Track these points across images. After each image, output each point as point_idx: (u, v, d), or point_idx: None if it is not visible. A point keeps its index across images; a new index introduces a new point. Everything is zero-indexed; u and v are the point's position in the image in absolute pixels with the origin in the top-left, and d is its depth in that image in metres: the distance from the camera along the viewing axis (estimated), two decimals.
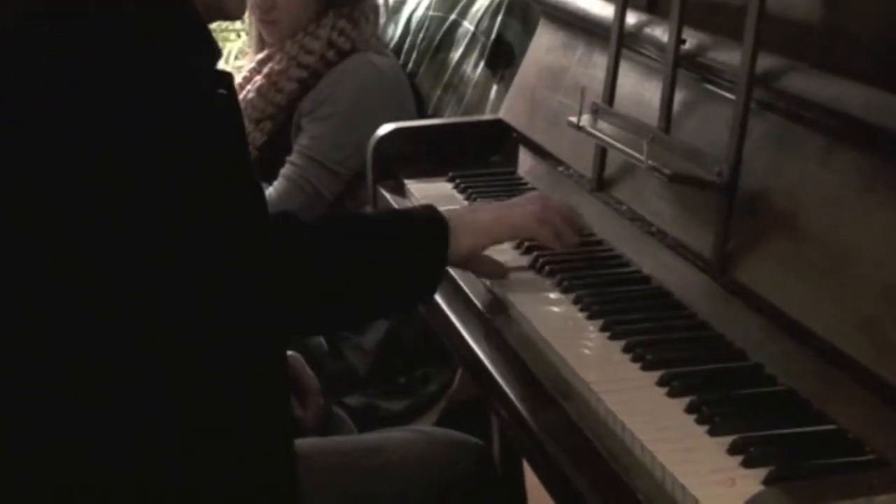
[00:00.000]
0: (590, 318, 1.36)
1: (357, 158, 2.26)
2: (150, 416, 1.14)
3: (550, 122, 1.77)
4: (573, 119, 1.57)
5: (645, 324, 1.33)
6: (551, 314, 1.40)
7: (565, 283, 1.45)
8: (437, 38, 2.53)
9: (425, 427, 2.05)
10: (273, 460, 1.24)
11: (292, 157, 2.38)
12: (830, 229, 1.17)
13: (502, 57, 2.32)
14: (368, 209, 2.01)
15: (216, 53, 1.21)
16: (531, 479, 1.86)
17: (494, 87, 2.32)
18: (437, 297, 1.56)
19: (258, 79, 2.46)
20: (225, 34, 3.87)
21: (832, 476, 1.01)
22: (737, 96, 1.30)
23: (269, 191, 2.37)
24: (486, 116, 2.18)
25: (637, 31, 1.59)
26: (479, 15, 2.43)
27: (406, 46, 2.61)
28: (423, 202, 1.63)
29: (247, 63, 2.59)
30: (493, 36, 2.35)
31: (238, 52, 3.69)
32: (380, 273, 1.40)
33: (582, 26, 1.77)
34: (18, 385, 1.12)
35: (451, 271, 1.57)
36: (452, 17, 2.51)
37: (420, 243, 1.42)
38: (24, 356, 1.11)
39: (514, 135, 1.90)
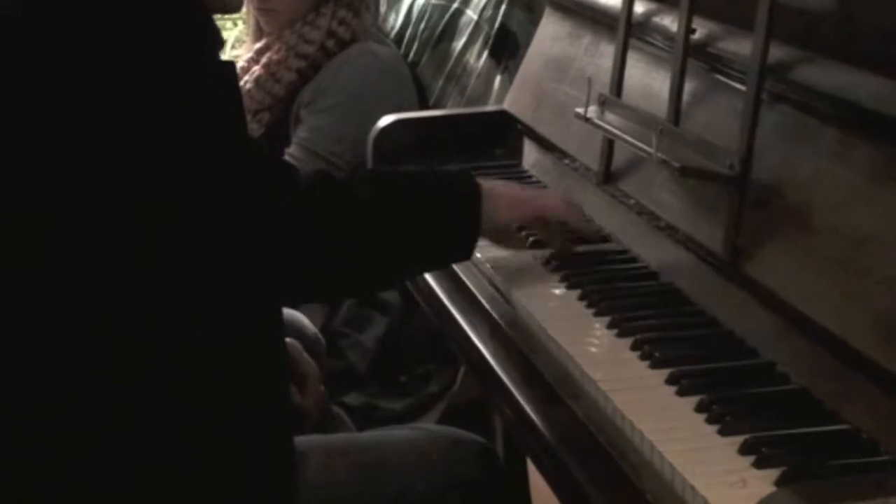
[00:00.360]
0: (597, 314, 1.36)
1: (357, 150, 2.26)
2: (145, 406, 1.15)
3: (556, 114, 1.77)
4: (580, 110, 1.57)
5: (653, 321, 1.33)
6: (557, 311, 1.40)
7: (571, 279, 1.45)
8: (439, 28, 2.53)
9: (427, 425, 2.06)
10: (271, 455, 1.25)
11: (291, 150, 2.38)
12: (844, 223, 1.17)
13: (506, 46, 2.32)
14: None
15: (218, 42, 1.23)
16: (535, 479, 1.86)
17: (498, 78, 2.32)
18: (439, 293, 1.57)
19: (256, 69, 2.46)
20: (221, 22, 3.86)
21: (846, 477, 1.02)
22: (748, 87, 1.30)
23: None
24: (490, 108, 2.18)
25: (645, 20, 1.59)
26: (482, 3, 2.43)
27: (407, 36, 2.61)
28: None
29: (244, 52, 2.59)
30: (496, 25, 2.35)
31: (235, 40, 3.69)
32: (414, 234, 1.41)
33: (589, 15, 1.77)
34: (9, 377, 1.14)
35: (454, 267, 1.57)
36: (455, 5, 2.51)
37: (455, 205, 1.43)
38: (15, 347, 1.13)
39: (519, 127, 1.90)
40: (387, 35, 2.63)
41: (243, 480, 1.22)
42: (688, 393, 1.17)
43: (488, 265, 1.53)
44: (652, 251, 1.48)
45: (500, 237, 1.53)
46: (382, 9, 2.74)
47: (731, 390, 1.17)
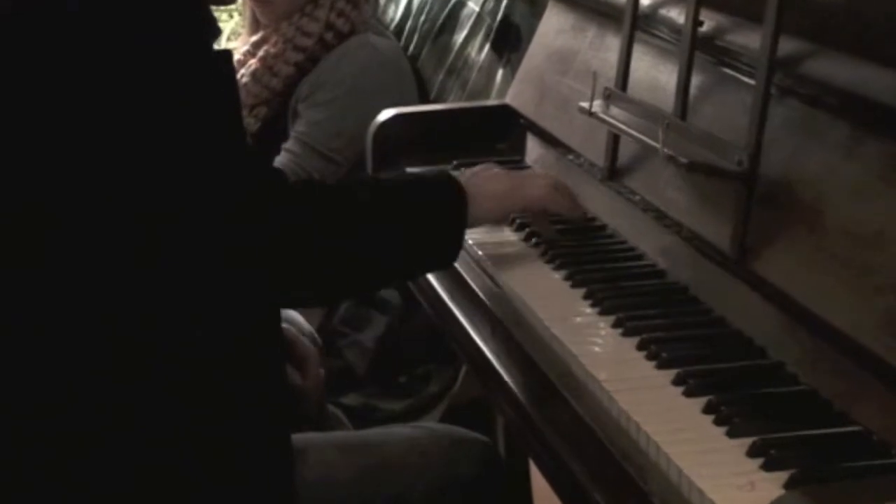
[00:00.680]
0: (601, 313, 1.37)
1: (356, 146, 2.26)
2: (145, 406, 1.17)
3: (560, 108, 1.78)
4: (584, 105, 1.57)
5: (659, 320, 1.33)
6: (561, 310, 1.40)
7: (576, 277, 1.45)
8: (440, 20, 2.53)
9: (428, 423, 2.06)
10: (269, 454, 1.26)
11: (288, 145, 2.38)
12: (855, 221, 1.17)
13: (509, 39, 2.33)
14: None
15: (214, 31, 1.23)
16: (538, 481, 1.86)
17: (500, 71, 2.32)
18: (440, 292, 1.57)
19: (253, 62, 2.46)
20: (216, 14, 3.86)
21: (857, 479, 1.02)
22: (757, 81, 1.30)
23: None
24: (492, 102, 2.18)
25: (652, 12, 1.59)
26: None
27: (407, 28, 2.62)
28: None
29: (240, 45, 2.59)
30: (499, 17, 2.35)
31: (231, 33, 3.69)
32: (399, 240, 1.41)
33: (593, 7, 1.77)
34: (9, 377, 1.15)
35: (456, 265, 1.57)
36: None
37: (440, 210, 1.44)
38: (15, 347, 1.14)
39: (522, 121, 1.90)
40: (386, 27, 2.63)
41: (241, 480, 1.23)
42: (695, 394, 1.17)
43: (490, 262, 1.53)
44: (658, 248, 1.48)
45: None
46: (382, 0, 2.74)
47: (739, 391, 1.17)
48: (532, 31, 2.00)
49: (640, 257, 1.51)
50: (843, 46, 1.27)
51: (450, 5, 2.52)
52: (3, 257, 1.12)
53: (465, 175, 1.50)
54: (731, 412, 1.12)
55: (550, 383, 1.28)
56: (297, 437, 1.46)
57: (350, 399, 2.33)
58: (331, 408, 2.20)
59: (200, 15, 1.19)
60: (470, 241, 1.57)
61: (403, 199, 1.42)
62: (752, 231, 1.29)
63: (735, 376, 1.20)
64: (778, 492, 1.01)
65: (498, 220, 1.54)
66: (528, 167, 1.86)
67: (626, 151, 1.58)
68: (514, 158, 1.90)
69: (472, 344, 1.44)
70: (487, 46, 2.37)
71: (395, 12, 2.69)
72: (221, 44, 3.57)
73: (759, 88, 1.29)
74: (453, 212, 1.43)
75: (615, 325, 1.33)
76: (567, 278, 1.46)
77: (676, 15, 1.53)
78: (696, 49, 1.44)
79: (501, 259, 1.54)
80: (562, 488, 1.20)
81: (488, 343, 1.42)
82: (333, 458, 1.53)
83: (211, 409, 1.20)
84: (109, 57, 1.12)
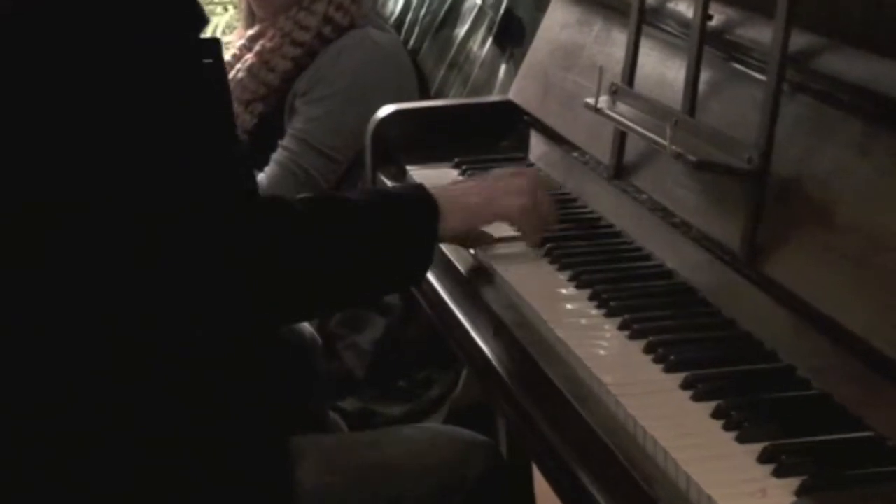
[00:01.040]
0: (607, 315, 1.37)
1: (355, 143, 2.26)
2: (145, 406, 1.19)
3: (565, 104, 1.78)
4: (590, 101, 1.57)
5: (667, 322, 1.33)
6: (566, 311, 1.40)
7: (581, 278, 1.45)
8: (441, 13, 2.53)
9: (431, 425, 2.06)
10: (267, 454, 1.27)
11: (285, 142, 2.38)
12: (868, 220, 1.17)
13: (512, 33, 2.32)
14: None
15: (201, 20, 1.23)
16: (542, 486, 1.86)
17: (503, 66, 2.32)
18: (441, 292, 1.57)
19: (249, 57, 2.46)
20: (211, 7, 3.87)
21: (870, 487, 1.02)
22: (768, 77, 1.30)
23: (260, 177, 2.37)
24: (495, 97, 2.18)
25: (659, 6, 1.59)
26: None
27: (408, 21, 2.61)
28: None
29: (235, 39, 2.59)
30: (501, 10, 2.35)
31: (226, 26, 3.69)
32: (366, 259, 1.39)
33: (599, 0, 1.77)
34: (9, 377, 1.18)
35: (457, 265, 1.57)
36: None
37: (409, 227, 1.42)
38: (15, 347, 1.17)
39: (525, 117, 1.90)
40: (386, 21, 2.63)
41: (240, 480, 1.25)
42: (704, 398, 1.17)
43: (493, 262, 1.53)
44: (666, 249, 1.48)
45: (463, 241, 1.54)
46: None
47: (749, 395, 1.17)
48: (536, 24, 2.00)
49: (647, 258, 1.51)
50: (856, 41, 1.27)
51: None
52: (3, 257, 1.14)
53: (437, 188, 1.48)
54: (741, 417, 1.12)
55: (554, 387, 1.28)
56: (296, 440, 1.47)
57: (348, 404, 2.33)
58: (329, 413, 2.20)
59: (184, 4, 1.20)
60: (472, 251, 1.57)
61: (371, 217, 1.39)
62: (763, 231, 1.29)
63: (745, 380, 1.20)
64: (789, 499, 1.01)
65: (468, 233, 1.51)
66: (531, 165, 1.86)
67: (632, 149, 1.58)
68: (517, 156, 1.90)
69: (473, 346, 1.44)
70: (490, 40, 2.37)
71: (395, 5, 2.69)
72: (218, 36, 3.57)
73: (771, 84, 1.29)
74: (423, 228, 1.42)
75: (622, 328, 1.33)
76: (572, 279, 1.46)
77: (685, 8, 1.53)
78: (706, 43, 1.44)
79: (504, 259, 1.54)
80: (566, 495, 1.20)
81: (490, 345, 1.41)
82: (332, 461, 1.53)
83: (211, 410, 1.22)
84: (92, 52, 1.13)
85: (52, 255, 1.14)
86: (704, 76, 1.44)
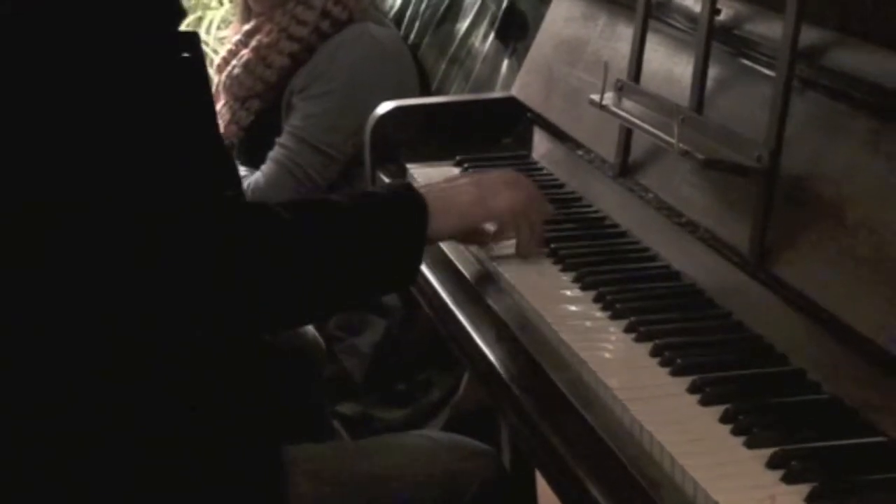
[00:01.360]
0: (613, 317, 1.37)
1: (354, 140, 2.26)
2: (145, 406, 1.22)
3: (569, 101, 1.78)
4: (595, 97, 1.57)
5: (674, 324, 1.33)
6: (570, 313, 1.40)
7: (586, 279, 1.45)
8: (441, 7, 2.53)
9: (430, 432, 2.06)
10: (260, 462, 1.28)
11: (282, 140, 2.38)
12: (880, 220, 1.17)
13: (515, 28, 2.33)
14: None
15: (178, 13, 1.25)
16: (545, 494, 1.86)
17: (506, 62, 2.32)
18: (442, 294, 1.57)
19: (245, 53, 2.46)
20: (206, 1, 3.87)
21: (882, 493, 1.02)
22: (778, 73, 1.30)
23: (257, 176, 2.38)
24: (497, 94, 2.18)
25: (666, 0, 1.59)
26: None
27: (408, 16, 2.62)
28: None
29: (231, 34, 2.59)
30: (504, 4, 2.36)
31: (221, 21, 3.69)
32: (354, 262, 1.37)
33: None
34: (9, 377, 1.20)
35: (459, 266, 1.57)
36: None
37: (397, 228, 1.40)
38: (15, 347, 1.19)
39: (528, 114, 1.90)
40: (385, 15, 2.63)
41: (235, 482, 1.27)
42: (712, 402, 1.17)
43: (495, 263, 1.53)
44: (673, 249, 1.48)
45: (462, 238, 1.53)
46: None
47: (758, 399, 1.17)
48: (539, 18, 2.01)
49: (653, 258, 1.51)
50: (868, 36, 1.27)
51: None
52: (3, 257, 1.16)
53: (427, 186, 1.47)
54: (749, 422, 1.12)
55: (559, 391, 1.28)
56: (291, 449, 1.47)
57: (347, 408, 2.33)
58: (327, 417, 2.20)
59: None
60: (471, 249, 1.57)
61: (357, 219, 1.37)
62: (773, 231, 1.29)
63: (754, 384, 1.20)
64: None
65: (462, 234, 1.51)
66: (534, 163, 1.86)
67: (638, 147, 1.58)
68: (520, 154, 1.90)
69: (475, 349, 1.44)
70: (492, 35, 2.37)
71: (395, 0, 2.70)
72: (212, 32, 3.57)
73: (780, 80, 1.29)
74: (411, 229, 1.40)
75: (627, 330, 1.33)
76: (576, 280, 1.46)
77: (692, 2, 1.54)
78: (714, 39, 1.44)
79: (507, 260, 1.54)
80: (570, 502, 1.20)
81: (493, 348, 1.41)
82: (327, 471, 1.53)
83: (209, 412, 1.24)
84: (65, 47, 1.14)
85: (52, 255, 1.16)
86: (712, 72, 1.44)
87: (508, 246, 1.55)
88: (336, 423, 2.27)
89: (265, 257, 1.27)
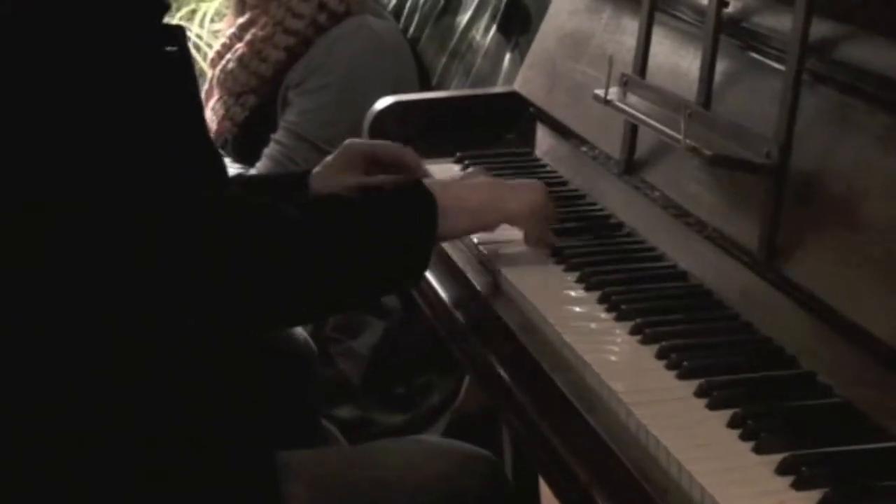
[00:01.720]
0: (618, 319, 1.37)
1: (351, 136, 2.25)
2: (145, 406, 1.25)
3: (573, 96, 1.78)
4: (599, 92, 1.57)
5: (681, 326, 1.33)
6: (573, 314, 1.40)
7: (590, 280, 1.45)
8: None
9: (429, 437, 2.06)
10: (253, 469, 1.29)
11: (278, 136, 2.39)
12: (894, 218, 1.17)
13: (517, 21, 2.33)
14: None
15: (162, 6, 1.25)
16: (549, 499, 1.86)
17: (508, 56, 2.32)
18: (442, 294, 1.57)
19: (239, 47, 2.46)
20: None
21: (894, 500, 1.02)
22: (787, 67, 1.30)
23: (252, 173, 2.38)
24: (499, 89, 2.18)
25: None
26: None
27: (407, 8, 2.62)
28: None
29: (225, 27, 2.59)
30: None
31: (214, 13, 3.69)
32: (358, 262, 1.37)
33: None
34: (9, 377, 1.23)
35: (459, 265, 1.57)
36: None
37: (405, 227, 1.40)
38: (15, 347, 1.21)
39: (531, 110, 1.91)
40: (384, 7, 2.63)
41: (233, 482, 1.30)
42: (719, 406, 1.17)
43: (496, 263, 1.53)
44: (679, 249, 1.48)
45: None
46: None
47: (767, 403, 1.17)
48: (542, 11, 2.01)
49: (659, 258, 1.51)
50: (880, 29, 1.27)
51: None
52: (3, 257, 1.18)
53: (440, 182, 1.47)
54: (758, 426, 1.12)
55: (562, 394, 1.28)
56: (285, 455, 1.47)
57: (344, 412, 2.33)
58: (323, 422, 2.20)
59: None
60: (475, 240, 1.57)
61: (363, 216, 1.37)
62: (783, 230, 1.29)
63: (763, 387, 1.20)
64: None
65: (469, 234, 1.51)
66: (537, 160, 1.86)
67: (644, 143, 1.58)
68: (522, 150, 1.90)
69: (476, 352, 1.44)
70: (494, 28, 2.37)
71: None
72: (205, 26, 3.57)
73: (790, 75, 1.29)
74: (420, 228, 1.40)
75: (633, 332, 1.33)
76: (580, 280, 1.46)
77: None
78: (721, 32, 1.44)
79: (509, 259, 1.54)
80: None
81: (494, 351, 1.41)
82: (326, 476, 1.53)
83: (205, 411, 1.27)
84: (46, 41, 1.15)
85: (52, 255, 1.17)
86: (720, 66, 1.44)
87: (510, 245, 1.55)
88: (333, 428, 2.27)
89: (261, 253, 1.27)
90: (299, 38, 2.42)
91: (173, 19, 2.89)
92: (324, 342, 2.33)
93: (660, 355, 1.28)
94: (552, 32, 1.91)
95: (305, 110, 2.38)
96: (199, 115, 1.29)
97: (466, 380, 2.27)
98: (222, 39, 2.53)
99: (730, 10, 1.44)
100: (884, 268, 1.16)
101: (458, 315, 1.52)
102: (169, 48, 1.23)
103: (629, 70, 1.58)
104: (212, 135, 2.36)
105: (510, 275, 1.50)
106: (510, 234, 1.55)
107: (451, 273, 1.59)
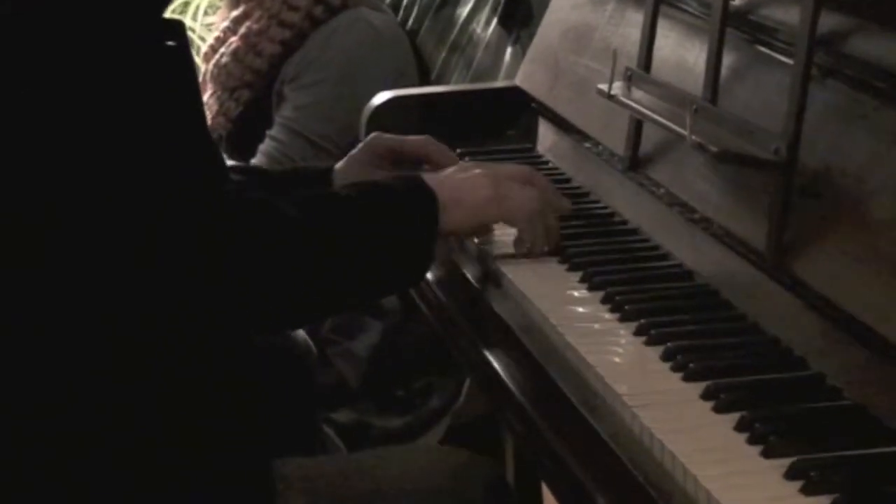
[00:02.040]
0: (622, 319, 1.37)
1: (348, 132, 2.26)
2: (145, 406, 1.26)
3: (576, 91, 1.78)
4: (603, 87, 1.57)
5: (687, 327, 1.33)
6: (577, 315, 1.40)
7: (594, 279, 1.45)
8: None
9: (427, 445, 2.06)
10: (249, 477, 1.31)
11: (273, 131, 2.39)
12: None
13: (518, 14, 2.33)
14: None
15: (161, 0, 1.26)
16: None
17: (509, 49, 2.32)
18: (442, 294, 1.57)
19: (234, 40, 2.46)
20: None
21: None
22: (796, 61, 1.30)
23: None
24: (500, 83, 2.18)
25: None
26: None
27: (405, 1, 2.62)
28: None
29: (219, 21, 2.59)
30: None
31: (208, 6, 3.70)
32: (357, 261, 1.37)
33: None
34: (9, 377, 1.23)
35: (459, 265, 1.58)
36: None
37: (404, 224, 1.40)
38: (15, 347, 1.22)
39: (533, 105, 1.91)
40: (382, 0, 2.63)
41: (230, 482, 1.31)
42: (726, 409, 1.17)
43: (497, 262, 1.53)
44: (685, 247, 1.48)
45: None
46: None
47: (775, 406, 1.17)
48: (545, 4, 2.01)
49: (665, 257, 1.51)
50: (891, 22, 1.27)
51: None
52: (3, 257, 1.19)
53: (439, 177, 1.46)
54: (766, 430, 1.12)
55: (565, 397, 1.28)
56: (284, 463, 1.47)
57: (342, 415, 2.33)
58: (321, 426, 2.20)
59: None
60: (476, 239, 1.57)
61: (360, 214, 1.37)
62: (791, 228, 1.29)
63: (771, 390, 1.20)
64: None
65: (470, 231, 1.51)
66: (539, 156, 1.86)
67: (649, 139, 1.58)
68: (524, 146, 1.90)
69: (477, 353, 1.44)
70: (495, 21, 2.37)
71: None
72: (199, 18, 3.57)
73: (799, 69, 1.29)
74: (420, 226, 1.40)
75: (637, 333, 1.33)
76: (584, 280, 1.46)
77: None
78: (728, 24, 1.44)
79: (510, 258, 1.54)
80: None
81: (495, 352, 1.42)
82: (324, 485, 1.54)
83: (203, 411, 1.28)
84: (43, 38, 1.16)
85: (52, 255, 1.19)
86: (727, 60, 1.44)
87: (510, 244, 1.55)
88: (331, 432, 2.27)
89: (259, 253, 1.28)
90: (295, 32, 2.42)
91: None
92: (321, 344, 2.33)
93: (665, 357, 1.28)
94: (555, 25, 1.91)
95: (301, 106, 2.38)
96: (199, 112, 1.29)
97: (467, 382, 2.27)
98: (216, 33, 2.53)
99: (737, 2, 1.45)
100: (894, 266, 1.16)
101: (458, 316, 1.52)
102: (169, 43, 1.23)
103: (633, 64, 1.58)
104: None
105: (511, 275, 1.50)
106: (511, 232, 1.56)
107: (450, 272, 1.59)
